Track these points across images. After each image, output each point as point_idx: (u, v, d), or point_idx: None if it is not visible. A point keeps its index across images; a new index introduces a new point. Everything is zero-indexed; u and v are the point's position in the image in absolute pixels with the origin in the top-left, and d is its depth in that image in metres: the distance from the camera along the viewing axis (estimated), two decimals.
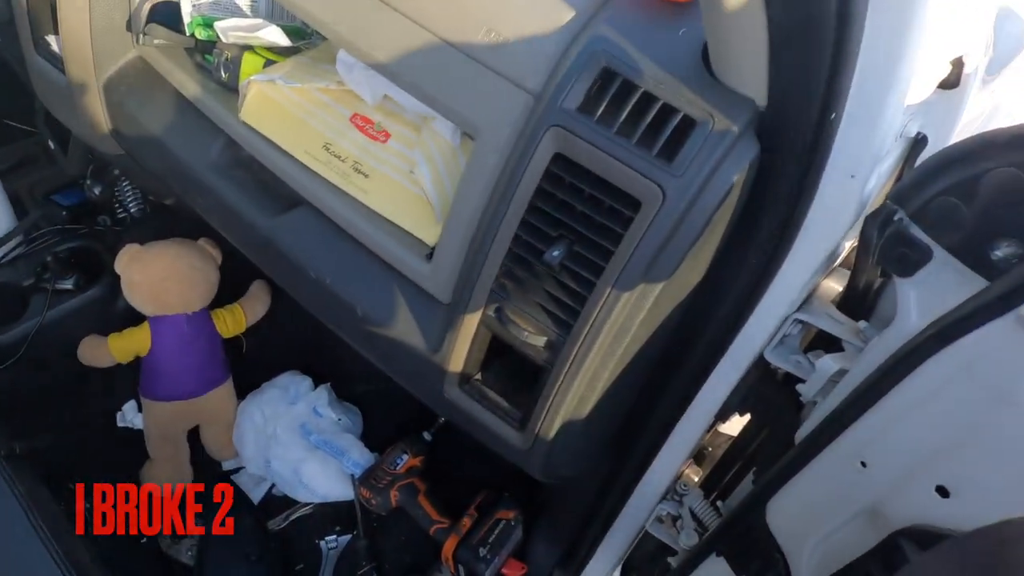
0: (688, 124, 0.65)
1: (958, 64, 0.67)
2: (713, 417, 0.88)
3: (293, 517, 1.40)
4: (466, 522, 1.26)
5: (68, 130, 1.30)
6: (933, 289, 0.72)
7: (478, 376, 0.89)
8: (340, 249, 0.91)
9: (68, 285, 1.43)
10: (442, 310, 0.84)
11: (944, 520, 0.66)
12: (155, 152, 1.07)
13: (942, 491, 0.66)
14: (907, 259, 0.72)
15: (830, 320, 0.83)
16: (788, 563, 0.85)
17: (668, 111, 0.66)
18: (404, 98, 0.84)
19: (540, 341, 0.79)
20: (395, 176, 0.85)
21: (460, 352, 0.83)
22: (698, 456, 1.06)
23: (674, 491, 1.02)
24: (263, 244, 0.98)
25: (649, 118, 0.66)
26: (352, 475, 1.37)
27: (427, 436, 1.42)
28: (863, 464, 0.80)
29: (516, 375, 0.88)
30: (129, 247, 1.36)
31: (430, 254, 0.84)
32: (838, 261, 0.84)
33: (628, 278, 0.70)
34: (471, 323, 0.81)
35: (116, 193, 1.55)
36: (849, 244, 0.80)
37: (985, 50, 0.81)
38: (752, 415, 0.92)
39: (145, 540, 1.31)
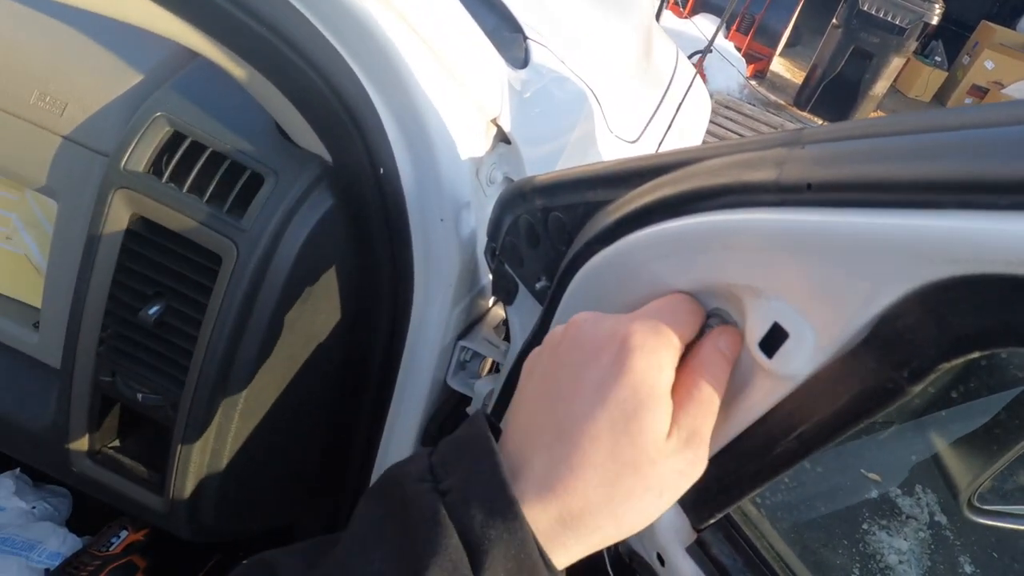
0: (256, 181, 0.69)
1: (496, 124, 0.78)
2: (414, 447, 0.90)
3: None
4: None
5: None
6: (525, 314, 0.81)
7: (115, 443, 0.85)
8: None
9: None
10: (56, 378, 0.81)
11: None
12: None
13: None
14: (506, 290, 0.80)
15: (487, 344, 0.90)
16: None
17: (237, 169, 0.69)
18: None
19: (161, 401, 0.78)
20: None
21: (81, 420, 0.80)
22: None
23: None
24: None
25: (218, 177, 0.69)
26: (46, 569, 1.24)
27: None
28: None
29: (159, 439, 0.86)
30: None
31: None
32: (488, 291, 0.91)
33: (225, 329, 0.72)
34: (84, 388, 0.78)
35: None
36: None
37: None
38: None
39: None
